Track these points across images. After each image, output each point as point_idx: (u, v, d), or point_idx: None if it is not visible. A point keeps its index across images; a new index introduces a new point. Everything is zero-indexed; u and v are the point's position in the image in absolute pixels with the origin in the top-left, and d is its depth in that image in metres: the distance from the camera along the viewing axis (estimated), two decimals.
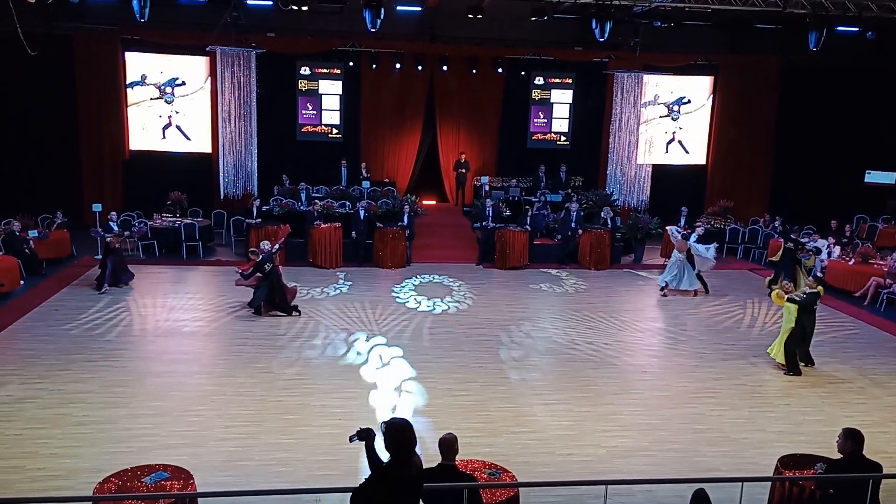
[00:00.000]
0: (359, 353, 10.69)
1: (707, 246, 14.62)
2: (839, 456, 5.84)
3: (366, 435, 4.64)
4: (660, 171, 20.38)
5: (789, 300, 10.41)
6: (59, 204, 16.62)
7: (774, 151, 20.88)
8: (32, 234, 14.65)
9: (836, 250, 15.83)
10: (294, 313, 12.30)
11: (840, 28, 15.50)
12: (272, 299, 12.30)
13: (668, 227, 16.11)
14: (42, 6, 13.27)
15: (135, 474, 5.94)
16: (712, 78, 20.62)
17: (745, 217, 19.28)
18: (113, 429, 8.07)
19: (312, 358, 10.48)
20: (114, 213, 15.12)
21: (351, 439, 4.68)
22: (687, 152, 20.99)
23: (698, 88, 20.71)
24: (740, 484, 5.90)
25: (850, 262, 15.16)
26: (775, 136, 20.78)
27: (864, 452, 5.78)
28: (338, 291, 13.93)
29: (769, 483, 6.59)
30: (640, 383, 10.00)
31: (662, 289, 14.55)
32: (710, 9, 15.76)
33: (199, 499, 5.94)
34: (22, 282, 13.48)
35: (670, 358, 11.15)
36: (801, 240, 15.06)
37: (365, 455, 4.77)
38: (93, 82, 18.26)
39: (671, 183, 20.21)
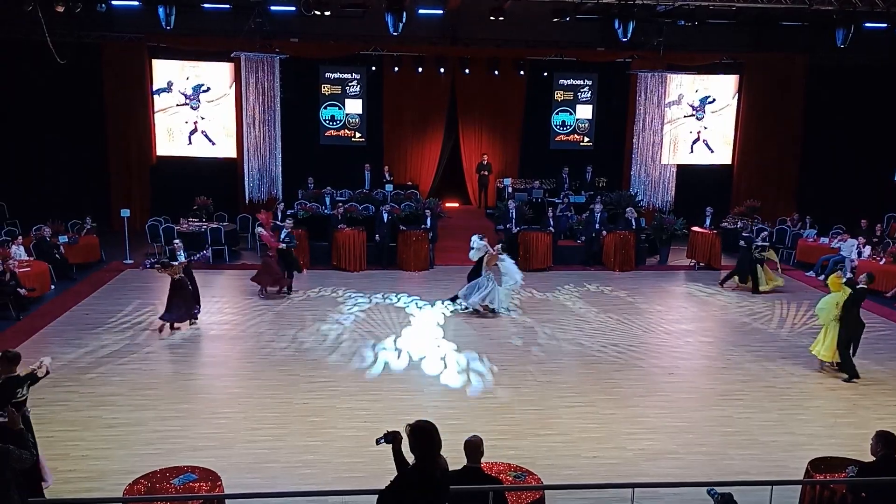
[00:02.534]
0: (383, 356, 10.72)
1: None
2: (871, 459, 5.74)
3: (392, 438, 4.65)
4: (685, 172, 20.19)
5: (847, 283, 10.29)
6: (88, 209, 16.91)
7: (802, 150, 20.59)
8: (63, 239, 14.90)
9: (867, 250, 15.58)
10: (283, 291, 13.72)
11: (868, 24, 15.26)
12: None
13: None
14: (71, 15, 13.50)
15: (164, 476, 6.02)
16: (737, 77, 20.40)
17: (772, 217, 19.04)
18: (142, 431, 8.18)
19: (337, 361, 10.53)
20: (178, 240, 12.91)
21: (378, 442, 4.69)
22: (712, 152, 20.78)
23: (723, 87, 20.50)
24: (770, 487, 5.82)
25: (881, 262, 14.90)
26: (803, 134, 20.49)
27: None
28: (361, 295, 13.98)
29: (799, 487, 6.48)
30: (666, 385, 9.91)
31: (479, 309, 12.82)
32: (735, 7, 15.61)
33: (226, 500, 6.00)
34: (53, 286, 13.72)
35: (697, 359, 11.04)
36: (753, 237, 14.98)
37: (391, 457, 4.78)
38: (120, 89, 18.57)
39: (696, 183, 20.03)
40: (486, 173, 20.03)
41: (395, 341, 11.36)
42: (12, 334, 11.22)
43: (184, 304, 11.65)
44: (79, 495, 6.70)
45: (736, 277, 14.95)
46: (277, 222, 15.22)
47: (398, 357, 10.68)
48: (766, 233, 15.42)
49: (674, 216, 17.66)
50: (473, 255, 12.94)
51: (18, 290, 12.18)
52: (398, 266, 16.00)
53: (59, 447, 7.70)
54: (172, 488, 5.84)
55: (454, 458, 5.12)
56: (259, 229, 14.30)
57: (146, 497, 5.73)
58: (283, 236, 13.94)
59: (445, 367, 10.34)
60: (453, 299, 13.12)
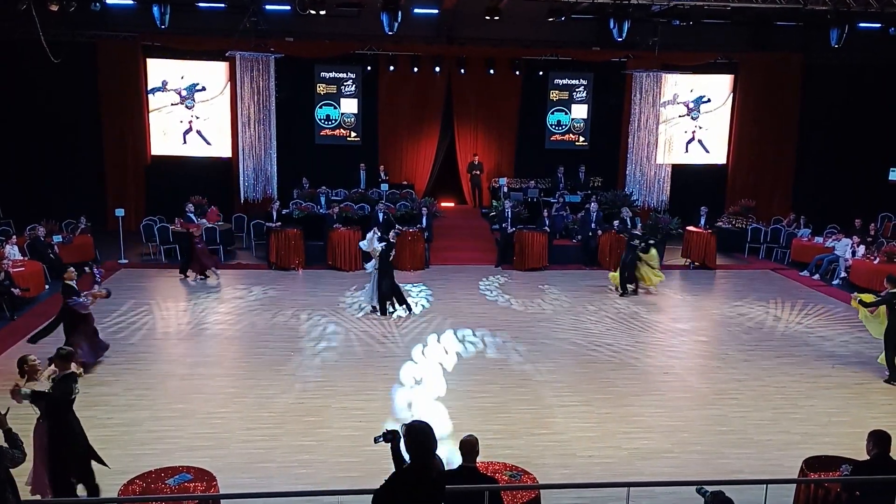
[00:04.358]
0: (379, 355, 10.71)
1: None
2: (866, 458, 5.76)
3: (391, 437, 4.65)
4: (680, 171, 20.24)
5: (861, 303, 10.31)
6: (82, 209, 16.85)
7: (797, 150, 20.65)
8: (57, 239, 14.85)
9: (861, 249, 15.63)
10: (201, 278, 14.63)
11: (862, 24, 15.30)
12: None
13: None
14: (65, 14, 13.46)
15: (159, 476, 6.01)
16: (732, 76, 20.44)
17: (767, 216, 19.09)
18: (137, 431, 8.16)
19: (332, 360, 10.52)
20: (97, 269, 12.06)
21: (376, 440, 4.70)
22: (707, 151, 20.82)
23: (718, 87, 20.54)
24: (764, 486, 5.83)
25: (875, 262, 14.94)
26: (797, 134, 20.55)
27: (891, 454, 5.69)
28: (357, 295, 13.97)
29: (794, 485, 6.50)
30: (661, 384, 9.93)
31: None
32: (730, 6, 15.63)
33: (221, 500, 5.99)
34: (47, 286, 13.65)
35: (692, 359, 11.06)
36: (635, 233, 14.63)
37: (386, 456, 4.78)
38: (115, 89, 18.52)
39: (691, 182, 20.07)
40: (477, 173, 20.03)
41: (390, 340, 11.35)
42: (6, 334, 11.18)
43: (86, 340, 9.85)
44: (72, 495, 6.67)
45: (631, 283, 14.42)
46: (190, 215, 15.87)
47: (393, 356, 10.68)
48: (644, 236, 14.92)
49: (669, 216, 17.69)
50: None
51: (12, 289, 12.13)
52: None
53: None
54: (168, 488, 5.83)
55: (449, 457, 5.12)
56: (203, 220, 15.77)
57: (141, 497, 5.72)
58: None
59: (440, 366, 10.34)
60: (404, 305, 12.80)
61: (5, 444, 5.02)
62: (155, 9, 12.82)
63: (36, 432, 6.29)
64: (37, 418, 6.32)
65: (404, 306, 12.78)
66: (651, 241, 14.63)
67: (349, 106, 19.89)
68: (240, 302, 13.30)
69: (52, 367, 6.55)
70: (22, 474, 5.81)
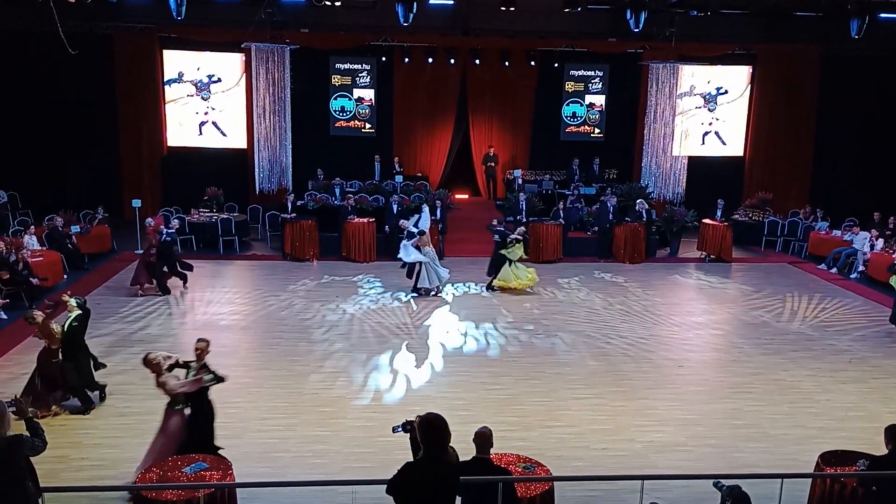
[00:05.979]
0: (393, 347, 10.74)
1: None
2: (883, 453, 5.72)
3: (410, 427, 4.67)
4: (696, 163, 20.07)
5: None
6: (100, 200, 16.98)
7: (814, 142, 20.43)
8: (75, 229, 14.98)
9: (880, 243, 15.47)
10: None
11: (883, 15, 15.09)
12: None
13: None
14: (82, 6, 13.55)
15: (175, 464, 6.08)
16: (750, 67, 20.23)
17: (784, 209, 18.91)
18: (154, 420, 8.13)
19: (347, 351, 10.56)
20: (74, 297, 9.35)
21: (394, 430, 4.72)
22: (724, 143, 20.65)
23: (736, 78, 20.34)
24: (780, 480, 5.81)
25: (894, 255, 14.78)
26: (815, 126, 20.32)
27: None
28: (371, 286, 14.01)
29: (810, 480, 6.47)
30: (676, 378, 9.89)
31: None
32: None
33: (237, 489, 6.05)
34: (65, 276, 13.80)
35: (707, 352, 11.01)
36: (504, 231, 13.87)
37: (400, 447, 4.80)
38: (131, 80, 18.61)
39: (708, 175, 19.90)
40: (492, 164, 19.98)
41: (404, 331, 11.38)
42: (26, 324, 11.29)
43: (47, 390, 8.46)
44: (92, 483, 6.76)
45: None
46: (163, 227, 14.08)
47: (408, 347, 10.71)
48: (522, 228, 14.33)
49: (685, 208, 17.58)
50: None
51: (31, 279, 12.27)
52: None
53: (72, 435, 7.78)
54: (184, 476, 5.90)
55: (463, 448, 5.13)
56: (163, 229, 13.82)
57: (158, 485, 5.78)
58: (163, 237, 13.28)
59: (454, 357, 10.36)
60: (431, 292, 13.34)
61: (26, 433, 5.08)
62: (171, 0, 12.85)
63: (170, 420, 6.83)
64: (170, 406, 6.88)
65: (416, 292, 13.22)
66: (512, 239, 13.67)
67: (364, 97, 19.89)
68: (254, 293, 13.37)
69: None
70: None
